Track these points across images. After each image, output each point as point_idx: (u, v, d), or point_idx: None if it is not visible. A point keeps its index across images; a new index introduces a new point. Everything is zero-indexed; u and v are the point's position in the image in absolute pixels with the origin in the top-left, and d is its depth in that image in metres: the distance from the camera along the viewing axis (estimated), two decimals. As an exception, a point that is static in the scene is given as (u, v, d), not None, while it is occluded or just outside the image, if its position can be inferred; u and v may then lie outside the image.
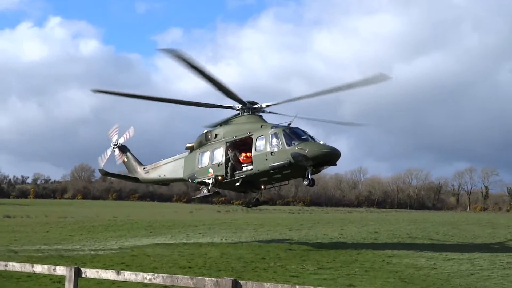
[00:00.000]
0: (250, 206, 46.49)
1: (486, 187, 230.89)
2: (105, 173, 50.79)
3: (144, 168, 47.48)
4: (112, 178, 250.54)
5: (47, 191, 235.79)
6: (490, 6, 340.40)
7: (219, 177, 39.14)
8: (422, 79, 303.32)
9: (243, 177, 38.87)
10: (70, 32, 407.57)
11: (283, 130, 37.30)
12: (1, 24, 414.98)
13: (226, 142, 39.55)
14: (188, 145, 42.53)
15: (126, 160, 49.19)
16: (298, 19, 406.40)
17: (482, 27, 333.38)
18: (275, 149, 36.89)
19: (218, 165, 39.35)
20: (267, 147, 37.23)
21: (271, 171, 37.36)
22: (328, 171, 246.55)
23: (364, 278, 29.46)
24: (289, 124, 38.34)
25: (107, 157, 49.91)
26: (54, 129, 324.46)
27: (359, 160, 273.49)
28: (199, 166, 40.91)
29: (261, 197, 45.33)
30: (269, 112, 40.96)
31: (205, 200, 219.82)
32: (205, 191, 40.40)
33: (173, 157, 44.73)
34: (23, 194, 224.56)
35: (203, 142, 41.56)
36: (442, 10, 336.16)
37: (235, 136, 39.30)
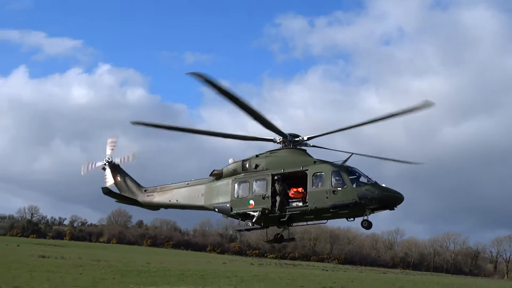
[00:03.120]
0: (273, 241, 44.59)
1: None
2: (108, 192, 44.89)
3: (145, 191, 44.29)
4: (149, 224, 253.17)
5: (83, 234, 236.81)
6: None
7: (266, 211, 37.16)
8: (470, 143, 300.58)
9: (296, 213, 38.21)
10: (118, 80, 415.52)
11: (346, 169, 37.12)
12: (52, 69, 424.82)
13: (273, 175, 37.75)
14: (215, 172, 39.96)
15: (119, 179, 45.13)
16: (345, 78, 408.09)
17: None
18: (339, 188, 36.43)
19: (263, 197, 37.28)
20: (327, 185, 36.27)
21: (331, 210, 36.98)
22: (365, 231, 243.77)
23: None
24: (344, 162, 37.99)
25: (92, 169, 45.47)
26: (95, 173, 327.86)
27: (397, 221, 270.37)
28: (236, 196, 38.63)
29: (287, 234, 43.63)
30: (312, 146, 40.18)
31: (239, 251, 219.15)
32: (250, 224, 37.86)
33: (187, 182, 42.36)
34: (59, 235, 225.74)
35: (239, 171, 39.15)
36: (494, 73, 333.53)
37: (283, 169, 37.74)
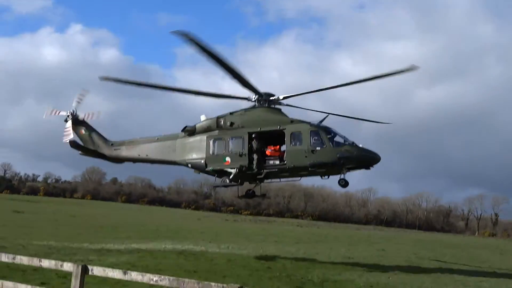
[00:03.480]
0: (244, 197, 43.15)
1: (496, 214, 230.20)
2: (75, 145, 43.13)
3: (112, 145, 43.50)
4: (123, 181, 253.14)
5: (57, 190, 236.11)
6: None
7: (243, 168, 37.50)
8: (442, 105, 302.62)
9: (274, 170, 37.70)
10: (91, 40, 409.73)
11: (325, 129, 37.27)
12: (22, 28, 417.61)
13: (249, 133, 38.02)
14: (187, 128, 39.67)
15: (84, 132, 44.01)
16: (319, 41, 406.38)
17: (506, 59, 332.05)
18: (318, 148, 36.64)
19: (240, 155, 37.61)
20: (305, 144, 36.57)
21: (310, 168, 37.14)
22: (339, 189, 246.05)
23: (369, 293, 29.37)
24: (321, 122, 38.06)
25: (55, 115, 44.10)
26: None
27: (371, 180, 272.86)
28: (211, 153, 38.67)
29: (258, 190, 42.54)
30: (286, 105, 40.02)
31: (213, 208, 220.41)
32: (227, 180, 37.93)
33: (156, 137, 41.78)
34: (33, 192, 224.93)
35: (213, 128, 39.11)
36: (466, 39, 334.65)
37: (260, 128, 37.92)
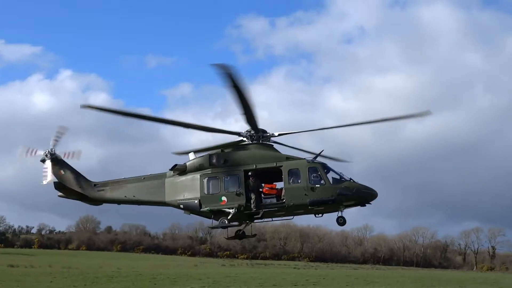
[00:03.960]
0: (234, 238, 41.20)
1: (493, 247, 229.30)
2: (61, 186, 40.59)
3: (95, 185, 40.45)
4: (117, 230, 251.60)
5: (51, 242, 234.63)
6: (502, 66, 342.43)
7: (241, 207, 36.11)
8: (434, 137, 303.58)
9: (273, 209, 36.54)
10: (81, 85, 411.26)
11: (323, 166, 37.09)
12: (12, 76, 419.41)
13: (245, 170, 36.79)
14: (178, 166, 37.74)
15: (63, 173, 40.63)
16: (308, 77, 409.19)
17: (495, 88, 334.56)
18: (317, 185, 36.34)
19: (237, 194, 36.29)
20: (304, 181, 35.90)
21: (309, 206, 36.81)
22: (334, 227, 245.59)
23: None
24: (315, 158, 37.84)
25: (32, 155, 41.15)
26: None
27: (365, 217, 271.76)
28: (206, 193, 37.01)
29: (248, 231, 40.50)
30: (279, 143, 39.24)
31: (209, 253, 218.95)
32: (225, 221, 36.17)
33: (143, 176, 39.55)
34: (28, 244, 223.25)
35: (205, 166, 37.54)
36: (455, 69, 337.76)
37: (256, 165, 36.84)
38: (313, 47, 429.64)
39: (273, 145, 38.27)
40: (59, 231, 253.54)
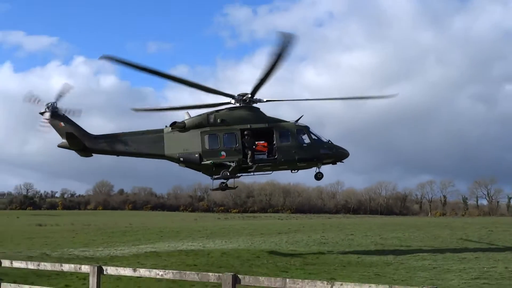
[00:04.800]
0: (218, 189, 38.70)
1: (445, 196, 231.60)
2: (70, 136, 36.77)
3: (96, 138, 37.69)
4: (128, 192, 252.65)
5: (73, 204, 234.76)
6: (450, 42, 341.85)
7: (240, 162, 35.89)
8: (393, 105, 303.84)
9: (267, 164, 36.73)
10: (92, 70, 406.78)
11: (308, 128, 37.16)
12: (34, 63, 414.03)
13: (241, 129, 36.37)
14: (177, 123, 36.33)
15: (63, 125, 36.85)
16: (287, 56, 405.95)
17: (444, 61, 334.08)
18: (304, 144, 36.48)
19: (235, 150, 36.01)
20: (294, 141, 36.33)
21: (297, 163, 36.81)
22: (311, 184, 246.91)
23: (343, 272, 29.42)
24: (296, 121, 37.73)
25: (33, 102, 37.25)
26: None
27: (338, 174, 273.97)
28: (207, 148, 36.05)
29: (231, 183, 38.52)
30: (267, 101, 37.90)
31: (207, 209, 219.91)
32: (227, 173, 36.03)
33: (141, 131, 37.35)
34: (53, 207, 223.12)
35: (204, 124, 36.54)
36: (410, 46, 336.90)
37: (250, 125, 36.53)
38: (290, 30, 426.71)
39: (260, 109, 38.01)
40: (79, 195, 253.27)
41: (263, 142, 37.79)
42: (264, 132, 37.30)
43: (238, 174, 37.71)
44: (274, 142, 36.67)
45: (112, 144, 37.54)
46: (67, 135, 36.50)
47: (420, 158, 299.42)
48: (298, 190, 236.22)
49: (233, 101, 37.54)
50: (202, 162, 36.24)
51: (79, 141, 36.89)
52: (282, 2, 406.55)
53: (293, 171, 37.93)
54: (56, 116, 37.29)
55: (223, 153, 36.32)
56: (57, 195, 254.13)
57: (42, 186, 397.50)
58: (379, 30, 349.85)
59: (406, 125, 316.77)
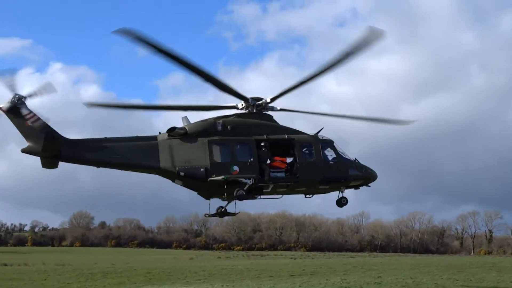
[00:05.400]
0: (215, 215, 37.16)
1: (490, 231, 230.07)
2: (51, 137, 33.47)
3: (73, 142, 34.45)
4: (111, 225, 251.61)
5: (45, 239, 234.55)
6: (497, 45, 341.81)
7: (257, 179, 33.66)
8: (430, 120, 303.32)
9: (287, 184, 34.59)
10: (71, 78, 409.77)
11: (332, 143, 36.14)
12: (2, 70, 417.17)
13: (256, 140, 34.70)
14: (177, 130, 34.24)
15: (29, 124, 33.17)
16: (301, 62, 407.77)
17: (490, 67, 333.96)
18: (331, 162, 35.00)
19: (249, 164, 33.82)
20: (318, 157, 34.63)
21: (320, 184, 35.85)
22: (330, 216, 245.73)
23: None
24: (317, 133, 36.86)
25: None
26: (53, 175, 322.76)
27: (361, 204, 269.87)
28: (216, 160, 33.96)
29: (232, 208, 36.62)
30: (280, 110, 35.95)
31: (205, 246, 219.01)
32: (243, 192, 33.15)
33: (130, 137, 35.01)
34: (21, 242, 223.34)
35: (210, 131, 34.61)
36: (449, 49, 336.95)
37: (266, 136, 34.79)
38: (306, 31, 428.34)
39: (273, 117, 36.44)
40: (52, 228, 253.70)
41: (281, 157, 36.46)
42: (282, 145, 35.39)
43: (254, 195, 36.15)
44: (296, 158, 34.71)
45: (93, 151, 34.50)
46: (47, 136, 32.77)
47: (461, 184, 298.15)
48: (314, 222, 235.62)
49: (240, 105, 35.76)
50: (210, 178, 33.57)
51: (57, 144, 33.35)
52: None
53: (308, 195, 37.13)
54: (23, 111, 33.60)
55: (235, 168, 33.89)
56: (27, 228, 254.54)
57: (9, 217, 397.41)
58: (412, 30, 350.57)
59: (444, 143, 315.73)
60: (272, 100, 35.32)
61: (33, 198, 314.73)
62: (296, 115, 37.91)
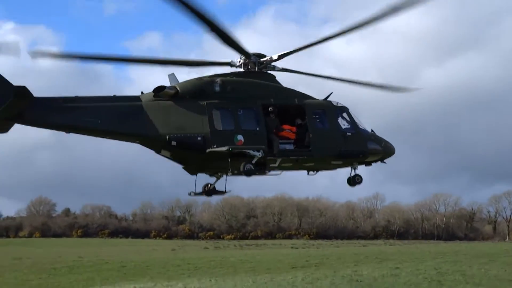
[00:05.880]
0: (201, 194, 35.03)
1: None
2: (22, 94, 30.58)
3: (37, 101, 31.02)
4: (77, 212, 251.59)
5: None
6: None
7: (265, 151, 32.16)
8: (456, 85, 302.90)
9: (294, 159, 33.50)
10: (26, 40, 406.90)
11: (348, 110, 33.85)
12: None
13: (264, 104, 33.19)
14: (166, 90, 32.27)
15: None
16: (302, 18, 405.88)
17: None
18: (348, 133, 33.92)
19: (255, 133, 32.47)
20: (334, 127, 34.05)
21: (334, 160, 34.05)
22: (338, 199, 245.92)
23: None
24: (326, 98, 35.65)
25: None
26: (7, 156, 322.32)
27: (376, 184, 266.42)
28: (217, 128, 32.34)
29: (221, 186, 35.08)
30: (282, 69, 34.88)
31: (189, 235, 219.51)
32: (251, 166, 31.62)
33: (108, 96, 32.77)
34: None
35: (208, 91, 33.00)
36: (479, 2, 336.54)
37: (272, 100, 33.56)
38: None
39: (275, 77, 35.34)
40: (7, 217, 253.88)
41: (290, 126, 33.93)
42: (292, 112, 34.47)
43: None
44: (308, 127, 33.75)
45: (64, 112, 31.46)
46: (18, 91, 29.97)
47: (494, 161, 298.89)
48: (319, 206, 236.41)
49: (237, 62, 34.35)
50: (209, 149, 31.88)
51: (26, 102, 30.61)
52: None
53: (313, 172, 36.26)
54: None
55: (240, 137, 32.32)
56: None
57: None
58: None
59: (475, 112, 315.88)
60: (280, 57, 33.98)
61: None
62: (297, 79, 37.17)
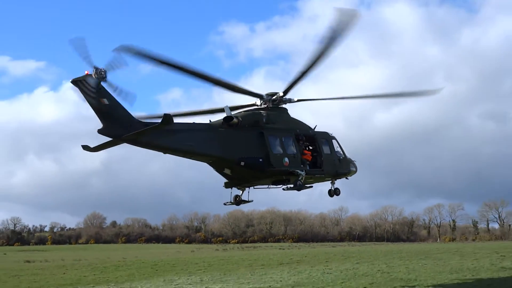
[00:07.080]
0: (232, 203, 33.16)
1: (454, 221, 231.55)
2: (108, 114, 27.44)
3: (142, 123, 27.84)
4: (121, 224, 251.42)
5: (63, 238, 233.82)
6: (459, 57, 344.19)
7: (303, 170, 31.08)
8: (400, 124, 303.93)
9: (316, 176, 32.60)
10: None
11: (337, 140, 33.94)
12: (20, 89, 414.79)
13: (296, 134, 32.14)
14: (234, 119, 30.24)
15: (107, 102, 26.88)
16: (286, 76, 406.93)
17: (453, 77, 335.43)
18: (341, 157, 33.65)
19: (294, 156, 31.30)
20: (333, 152, 33.33)
21: (332, 177, 33.43)
22: (314, 211, 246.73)
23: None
24: (314, 129, 34.87)
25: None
26: (68, 182, 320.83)
27: (341, 200, 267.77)
28: (274, 152, 30.73)
29: (246, 196, 33.81)
30: (297, 101, 33.52)
31: (204, 240, 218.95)
32: (300, 183, 30.61)
33: (193, 124, 30.55)
34: (42, 242, 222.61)
35: (261, 123, 31.30)
36: (417, 62, 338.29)
37: (298, 130, 32.46)
38: (290, 48, 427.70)
39: (287, 110, 33.87)
40: (69, 228, 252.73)
41: (309, 151, 33.22)
42: (307, 140, 33.43)
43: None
44: (320, 152, 33.17)
45: (164, 136, 28.57)
46: (169, 118, 26.78)
47: (428, 181, 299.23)
48: (300, 217, 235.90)
49: (259, 102, 32.76)
50: (271, 169, 30.46)
51: (116, 125, 27.76)
52: (280, 18, 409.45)
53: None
54: (103, 87, 27.22)
55: (286, 159, 30.99)
56: (46, 229, 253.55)
57: (30, 220, 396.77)
58: (384, 46, 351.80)
59: (414, 145, 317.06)
60: (285, 93, 32.47)
61: (52, 202, 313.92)
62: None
